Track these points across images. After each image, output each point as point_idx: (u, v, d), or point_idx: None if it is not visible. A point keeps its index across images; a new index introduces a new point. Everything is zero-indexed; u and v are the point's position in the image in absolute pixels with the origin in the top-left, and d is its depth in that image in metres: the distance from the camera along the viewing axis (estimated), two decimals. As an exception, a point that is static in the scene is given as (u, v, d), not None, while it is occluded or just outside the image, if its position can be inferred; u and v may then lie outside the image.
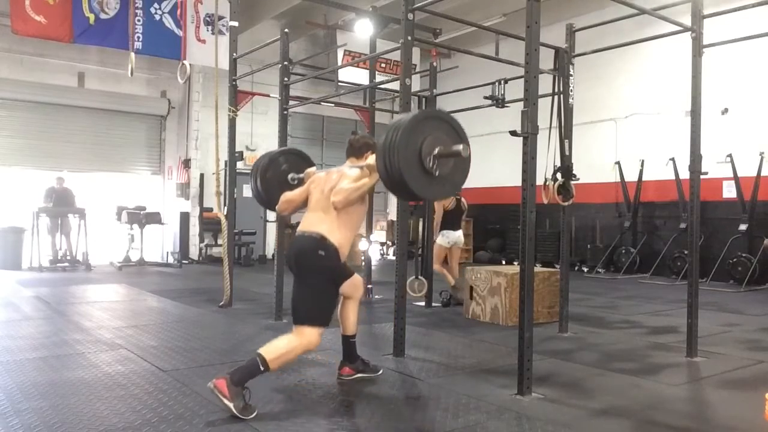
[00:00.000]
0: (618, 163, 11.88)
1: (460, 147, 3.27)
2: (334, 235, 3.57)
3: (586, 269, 12.16)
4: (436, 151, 3.25)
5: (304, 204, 3.88)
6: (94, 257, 11.61)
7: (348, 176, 3.67)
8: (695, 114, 4.84)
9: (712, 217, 10.47)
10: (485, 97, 6.48)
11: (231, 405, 3.13)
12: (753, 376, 4.35)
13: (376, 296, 7.82)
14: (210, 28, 11.48)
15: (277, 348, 3.38)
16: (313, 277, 3.57)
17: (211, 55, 7.77)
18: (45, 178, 11.98)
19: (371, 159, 3.61)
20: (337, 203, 3.54)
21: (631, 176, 11.72)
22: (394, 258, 4.76)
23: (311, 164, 4.53)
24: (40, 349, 4.78)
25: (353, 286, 3.86)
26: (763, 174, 9.92)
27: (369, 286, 7.51)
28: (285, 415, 3.27)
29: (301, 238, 3.65)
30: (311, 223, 3.67)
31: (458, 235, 7.66)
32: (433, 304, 7.26)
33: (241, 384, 3.20)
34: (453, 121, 3.42)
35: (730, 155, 10.02)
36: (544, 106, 4.03)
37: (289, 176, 4.43)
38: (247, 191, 14.39)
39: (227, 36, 7.44)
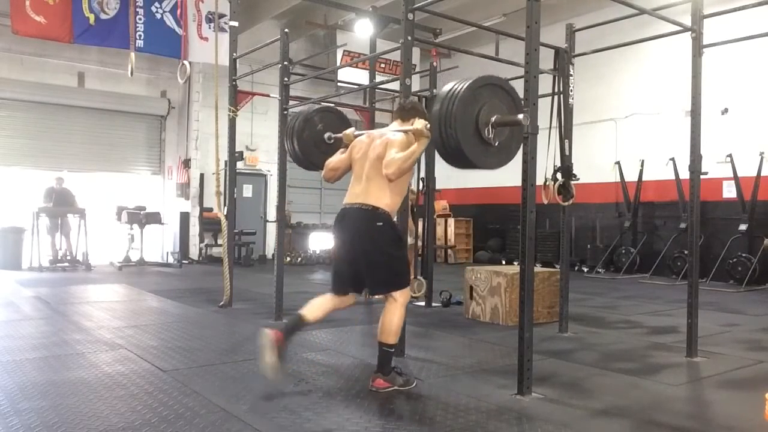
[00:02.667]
0: (618, 163, 11.89)
1: (521, 116, 3.24)
2: (385, 202, 3.61)
3: (586, 269, 12.16)
4: (493, 119, 3.21)
5: (348, 169, 3.89)
6: (94, 257, 11.61)
7: (394, 143, 3.61)
8: (695, 114, 4.84)
9: (712, 217, 10.47)
10: (485, 97, 6.47)
11: (396, 388, 3.66)
12: (753, 376, 4.35)
13: (376, 296, 7.80)
14: (211, 25, 11.49)
15: (391, 326, 3.66)
16: (384, 247, 3.64)
17: (213, 52, 7.76)
18: (45, 178, 11.98)
19: (418, 123, 3.56)
20: (390, 175, 3.53)
21: (631, 176, 11.72)
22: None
23: (347, 122, 4.49)
24: (40, 349, 4.78)
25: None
26: (763, 174, 9.92)
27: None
28: (285, 415, 3.27)
29: (351, 211, 3.68)
30: (358, 194, 3.69)
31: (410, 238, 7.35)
32: (433, 304, 7.26)
33: (389, 371, 3.68)
34: (510, 88, 3.39)
35: (730, 155, 10.02)
36: (544, 106, 4.03)
37: (326, 135, 4.37)
38: (247, 191, 14.48)
39: (228, 33, 7.43)
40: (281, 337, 3.60)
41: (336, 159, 3.97)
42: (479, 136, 3.20)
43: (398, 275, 3.72)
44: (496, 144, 3.23)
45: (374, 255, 3.64)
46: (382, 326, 3.70)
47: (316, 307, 3.81)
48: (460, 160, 3.38)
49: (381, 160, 3.59)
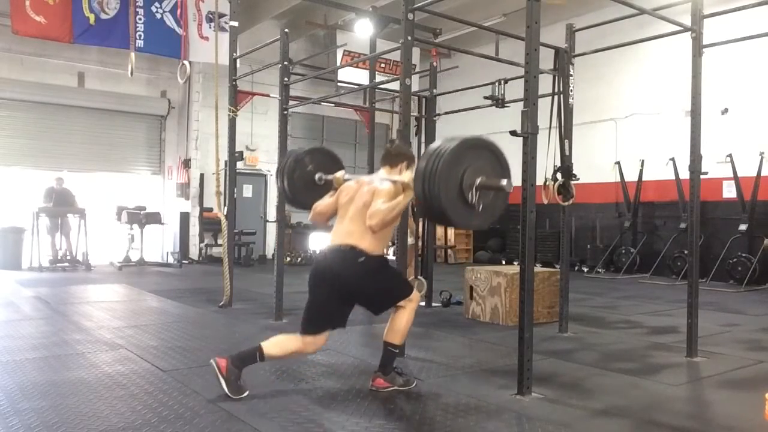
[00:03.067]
0: (618, 163, 11.88)
1: (504, 182, 3.21)
2: (365, 244, 3.56)
3: (586, 269, 12.15)
4: (477, 182, 3.18)
5: (334, 213, 3.86)
6: (94, 257, 11.61)
7: (381, 193, 3.58)
8: (695, 114, 4.84)
9: (712, 217, 10.47)
10: (485, 97, 6.49)
11: (396, 388, 3.68)
12: (753, 376, 4.35)
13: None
14: (212, 25, 11.49)
15: (400, 327, 3.68)
16: (372, 281, 3.61)
17: (214, 51, 7.76)
18: (45, 178, 11.97)
19: (406, 175, 3.54)
20: (373, 227, 3.50)
21: (631, 176, 11.72)
22: (394, 258, 4.75)
23: (338, 163, 4.49)
24: (40, 349, 4.78)
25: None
26: (763, 174, 9.92)
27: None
28: (285, 415, 3.27)
29: (331, 253, 3.63)
30: (340, 235, 3.65)
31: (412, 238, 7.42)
32: (433, 304, 7.27)
33: (390, 371, 3.70)
34: (497, 151, 3.35)
35: (730, 155, 10.02)
36: (544, 106, 4.03)
37: (317, 176, 4.36)
38: (247, 191, 14.47)
39: (228, 33, 7.43)
40: (227, 366, 3.48)
41: (324, 203, 3.94)
42: (461, 197, 3.18)
43: (397, 290, 3.71)
44: (478, 205, 3.21)
45: (366, 288, 3.61)
46: (390, 326, 3.71)
47: (277, 344, 3.63)
48: (441, 219, 3.40)
49: (366, 208, 3.56)
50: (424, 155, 3.26)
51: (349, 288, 3.59)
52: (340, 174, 4.08)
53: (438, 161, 3.12)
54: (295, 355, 3.74)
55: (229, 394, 3.45)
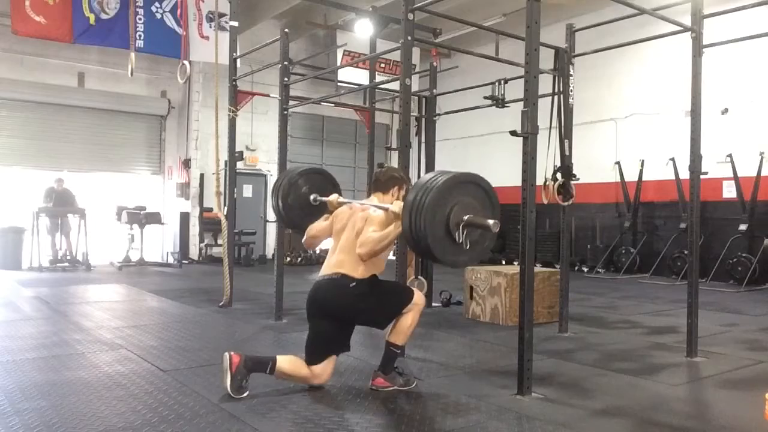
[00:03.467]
0: (618, 163, 11.88)
1: (491, 222, 3.15)
2: (358, 272, 3.57)
3: (586, 269, 12.16)
4: (464, 219, 3.14)
5: (327, 237, 3.88)
6: (94, 257, 11.61)
7: (373, 221, 3.58)
8: (695, 114, 4.84)
9: (712, 217, 10.47)
10: (485, 97, 6.49)
11: (397, 387, 3.67)
12: (753, 376, 4.35)
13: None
14: (212, 24, 11.49)
15: (403, 328, 3.66)
16: (367, 304, 3.59)
17: (214, 51, 7.77)
18: (45, 178, 11.98)
19: (397, 204, 3.45)
20: (363, 255, 3.51)
21: (631, 176, 11.72)
22: (393, 258, 4.75)
23: (333, 183, 4.48)
24: (40, 349, 4.78)
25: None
26: (763, 174, 9.92)
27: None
28: (285, 415, 3.27)
29: (323, 283, 3.63)
30: (332, 265, 3.66)
31: None
32: (433, 304, 7.26)
33: (391, 370, 3.68)
34: (487, 187, 3.32)
35: (730, 155, 10.03)
36: (544, 106, 4.03)
37: (312, 197, 4.33)
38: (247, 191, 14.47)
39: (228, 33, 7.43)
40: (239, 364, 3.48)
41: (317, 227, 3.94)
42: (450, 236, 3.14)
43: (397, 302, 3.68)
44: (464, 242, 3.16)
45: (364, 311, 3.62)
46: (394, 326, 3.70)
47: (291, 362, 3.62)
48: (426, 255, 3.33)
49: (358, 236, 3.58)
50: (414, 187, 3.21)
51: (347, 314, 3.62)
52: (333, 198, 4.07)
53: (426, 196, 3.08)
54: (303, 381, 3.67)
55: (229, 391, 3.45)
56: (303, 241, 4.05)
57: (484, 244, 3.33)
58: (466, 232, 3.16)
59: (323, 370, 3.65)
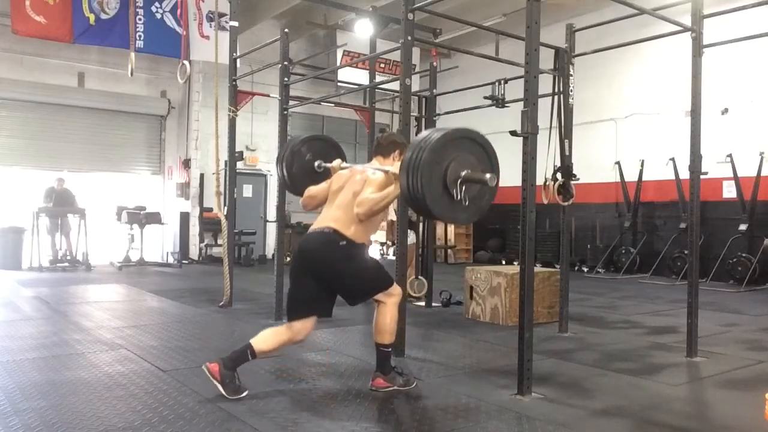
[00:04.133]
0: (618, 163, 11.88)
1: (488, 176, 3.12)
2: (350, 231, 3.55)
3: (586, 269, 12.16)
4: (462, 174, 3.11)
5: (326, 199, 3.86)
6: (94, 257, 11.61)
7: (372, 182, 3.58)
8: (695, 114, 4.84)
9: (712, 217, 10.47)
10: (485, 97, 6.49)
11: (396, 388, 3.68)
12: (753, 376, 4.35)
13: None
14: (212, 24, 11.50)
15: (384, 326, 3.63)
16: (347, 267, 3.56)
17: (214, 51, 7.77)
18: (45, 178, 11.99)
19: (398, 166, 3.42)
20: (360, 215, 3.49)
21: (631, 176, 11.72)
22: (394, 258, 4.75)
23: (338, 149, 4.50)
24: (40, 349, 4.78)
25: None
26: (763, 174, 9.92)
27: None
28: (285, 415, 3.27)
29: (314, 235, 3.61)
30: (325, 218, 3.65)
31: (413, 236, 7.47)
32: (433, 304, 7.26)
33: (390, 371, 3.70)
34: (484, 142, 3.31)
35: (730, 155, 10.03)
36: (544, 106, 4.03)
37: (316, 164, 4.38)
38: (247, 191, 14.46)
39: (229, 33, 7.44)
40: (219, 369, 3.49)
41: (317, 188, 3.95)
42: (445, 189, 3.11)
43: (374, 281, 3.64)
44: (461, 199, 3.13)
45: (342, 273, 3.57)
46: (375, 327, 3.68)
47: (266, 339, 3.62)
48: (424, 212, 3.31)
49: (356, 197, 3.55)
50: (411, 146, 3.22)
51: (326, 271, 3.56)
52: (336, 163, 4.09)
53: (422, 154, 3.06)
54: (287, 344, 3.68)
55: (227, 396, 3.45)
56: (301, 201, 4.05)
57: (483, 199, 3.30)
58: (464, 189, 3.14)
59: (302, 327, 3.61)
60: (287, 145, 4.61)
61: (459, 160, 3.14)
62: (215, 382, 3.48)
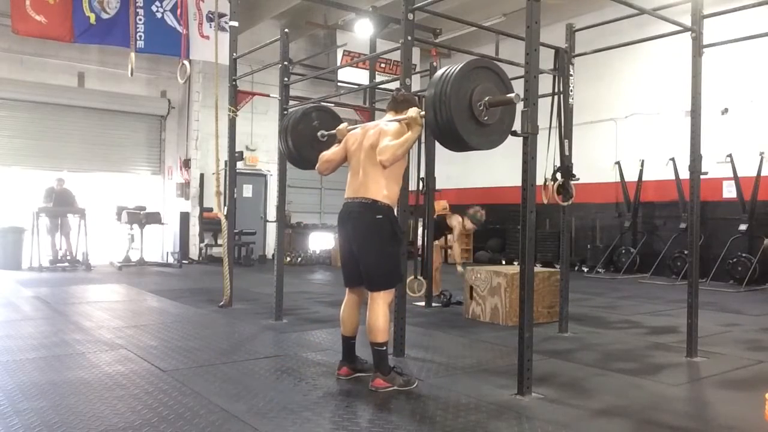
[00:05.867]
0: (618, 163, 11.88)
1: (513, 95, 3.38)
2: (383, 194, 3.70)
3: (586, 269, 12.16)
4: (485, 99, 3.33)
5: (342, 162, 3.98)
6: (94, 257, 11.61)
7: (388, 132, 3.70)
8: (695, 114, 4.84)
9: (712, 217, 10.47)
10: (485, 97, 6.47)
11: (396, 388, 3.66)
12: (753, 376, 4.35)
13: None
14: (212, 24, 11.49)
15: (377, 324, 3.68)
16: (380, 242, 3.71)
17: (214, 51, 7.77)
18: (45, 178, 11.99)
19: (411, 111, 3.63)
20: (384, 161, 3.59)
21: (631, 176, 11.72)
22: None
23: (339, 119, 4.56)
24: (40, 349, 4.78)
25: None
26: (763, 174, 9.92)
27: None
28: (285, 415, 3.27)
29: (352, 205, 3.76)
30: (357, 188, 3.77)
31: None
32: (433, 304, 7.26)
33: (389, 370, 3.68)
34: (500, 71, 3.51)
35: (730, 155, 10.03)
36: (544, 106, 4.03)
37: (319, 133, 4.47)
38: (247, 191, 14.48)
39: (228, 33, 7.44)
40: (348, 372, 3.93)
41: (331, 152, 4.06)
42: (472, 116, 3.34)
43: (386, 274, 3.76)
44: (489, 124, 3.38)
45: (369, 248, 3.73)
46: (368, 326, 3.74)
47: (346, 320, 3.93)
48: (453, 139, 3.47)
49: (375, 149, 3.67)
50: (431, 84, 3.42)
51: (361, 240, 3.74)
52: (343, 126, 4.16)
53: (446, 85, 3.28)
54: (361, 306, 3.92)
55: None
56: (317, 167, 4.12)
57: (505, 123, 3.55)
58: (488, 112, 3.37)
59: (361, 292, 3.92)
60: (289, 116, 4.65)
61: (481, 87, 3.37)
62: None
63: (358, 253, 3.78)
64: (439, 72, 3.46)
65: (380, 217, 3.68)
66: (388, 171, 3.67)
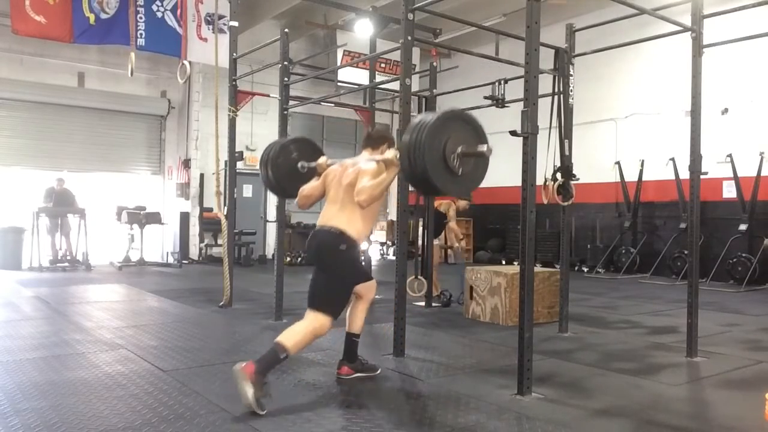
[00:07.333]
0: (618, 163, 11.88)
1: (485, 148, 3.42)
2: (353, 228, 3.72)
3: (586, 269, 12.15)
4: (459, 150, 3.37)
5: (321, 196, 4.01)
6: (94, 257, 11.61)
7: (366, 172, 3.71)
8: (695, 114, 4.84)
9: (712, 217, 10.47)
10: (485, 97, 6.48)
11: (250, 392, 3.21)
12: (753, 376, 4.35)
13: (376, 296, 7.80)
14: (211, 27, 11.48)
15: (294, 332, 3.56)
16: (333, 270, 3.73)
17: (213, 53, 7.77)
18: (45, 178, 11.98)
19: (389, 153, 3.69)
20: (362, 202, 3.62)
21: (631, 176, 11.72)
22: (394, 258, 4.75)
23: (319, 152, 4.57)
24: (40, 349, 4.78)
25: (368, 288, 4.02)
26: (763, 174, 9.92)
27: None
28: (285, 415, 3.27)
29: (321, 232, 3.80)
30: (330, 217, 3.80)
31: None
32: (433, 304, 7.26)
33: (263, 373, 3.32)
34: (475, 122, 3.52)
35: (730, 155, 10.03)
36: (544, 106, 4.03)
37: (299, 164, 4.49)
38: (247, 191, 14.48)
39: (228, 34, 7.44)
40: (348, 372, 3.92)
41: (310, 186, 4.07)
42: (446, 167, 3.37)
43: (328, 300, 3.65)
44: (460, 172, 3.40)
45: (324, 270, 3.77)
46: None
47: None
48: (427, 187, 3.53)
49: (353, 188, 3.69)
50: (407, 130, 3.45)
51: (321, 264, 3.79)
52: (322, 160, 4.18)
53: (422, 132, 3.31)
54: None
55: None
56: (296, 201, 4.17)
57: (478, 172, 3.57)
58: (461, 162, 3.41)
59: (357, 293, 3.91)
60: (274, 144, 4.67)
61: (454, 138, 3.40)
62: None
63: (318, 274, 3.81)
64: (416, 119, 3.48)
65: (343, 247, 3.68)
66: (363, 210, 3.71)
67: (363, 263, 3.96)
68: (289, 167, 4.49)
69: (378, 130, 4.17)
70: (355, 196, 3.64)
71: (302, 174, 4.39)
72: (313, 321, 3.61)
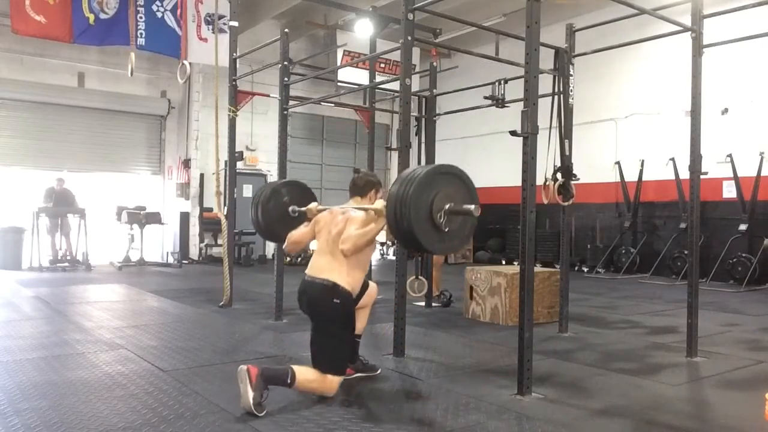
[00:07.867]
0: (618, 163, 11.88)
1: (472, 207, 3.27)
2: (345, 279, 3.59)
3: (586, 269, 12.15)
4: (446, 207, 3.25)
5: (309, 242, 3.97)
6: (94, 257, 11.61)
7: (354, 220, 3.65)
8: (695, 114, 4.84)
9: (712, 217, 10.47)
10: (485, 97, 6.48)
11: (251, 394, 3.20)
12: (753, 376, 4.35)
13: (377, 296, 7.81)
14: (210, 27, 11.48)
15: (307, 377, 3.45)
16: (328, 326, 3.58)
17: (212, 53, 7.77)
18: (45, 178, 11.98)
19: (378, 203, 3.58)
20: (346, 251, 3.54)
21: (631, 176, 11.72)
22: (394, 258, 4.75)
23: (312, 197, 4.53)
24: (40, 349, 4.78)
25: (368, 296, 4.01)
26: (763, 174, 9.92)
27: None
28: (285, 415, 3.27)
29: (312, 285, 3.63)
30: (321, 268, 3.65)
31: None
32: (433, 304, 7.26)
33: (267, 382, 3.30)
34: (465, 178, 3.42)
35: (730, 155, 10.03)
36: (544, 106, 4.03)
37: (290, 208, 4.44)
38: (247, 191, 14.48)
39: (228, 34, 7.43)
40: (349, 372, 3.85)
41: (299, 233, 4.00)
42: (433, 225, 3.24)
43: (330, 359, 3.55)
44: (446, 230, 3.27)
45: (321, 328, 3.61)
46: (304, 368, 3.51)
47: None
48: (411, 243, 3.37)
49: (340, 236, 3.62)
50: (397, 180, 3.33)
51: (317, 319, 3.63)
52: (313, 205, 4.12)
53: (410, 186, 3.19)
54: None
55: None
56: (284, 246, 4.15)
57: (466, 228, 3.43)
58: (448, 220, 3.27)
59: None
60: (266, 186, 4.67)
61: (443, 194, 3.27)
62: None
63: (312, 329, 3.67)
64: (407, 171, 3.40)
65: (337, 301, 3.55)
66: (352, 259, 3.60)
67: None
68: (279, 212, 4.46)
69: (363, 176, 4.03)
70: (339, 244, 3.57)
71: (293, 218, 4.34)
72: (322, 383, 3.50)
